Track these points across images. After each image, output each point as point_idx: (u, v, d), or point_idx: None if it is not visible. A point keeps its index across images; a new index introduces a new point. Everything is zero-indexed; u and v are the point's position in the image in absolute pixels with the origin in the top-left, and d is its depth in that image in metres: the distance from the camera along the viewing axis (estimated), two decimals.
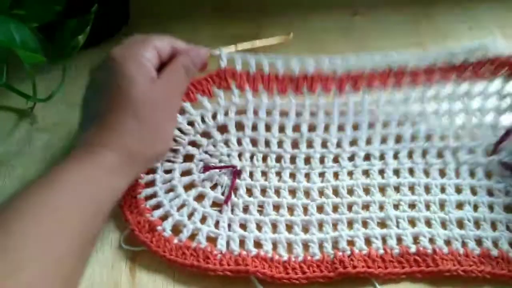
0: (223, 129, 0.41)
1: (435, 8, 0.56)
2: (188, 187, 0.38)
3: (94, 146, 0.32)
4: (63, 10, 0.42)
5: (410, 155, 0.41)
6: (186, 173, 0.39)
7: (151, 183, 0.38)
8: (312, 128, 0.41)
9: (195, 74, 0.39)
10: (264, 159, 0.40)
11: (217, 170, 0.39)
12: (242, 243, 0.36)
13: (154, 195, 0.38)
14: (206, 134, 0.40)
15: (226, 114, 0.41)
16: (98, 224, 0.31)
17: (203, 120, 0.40)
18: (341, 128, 0.41)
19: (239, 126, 0.41)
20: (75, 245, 0.28)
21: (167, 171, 0.39)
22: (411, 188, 0.39)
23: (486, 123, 0.41)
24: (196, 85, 0.40)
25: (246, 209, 0.37)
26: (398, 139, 0.41)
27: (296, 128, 0.41)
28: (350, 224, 0.37)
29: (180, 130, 0.40)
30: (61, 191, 0.29)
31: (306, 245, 0.36)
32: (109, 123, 0.33)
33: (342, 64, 0.40)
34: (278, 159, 0.40)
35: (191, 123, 0.40)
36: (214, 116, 0.41)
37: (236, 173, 0.39)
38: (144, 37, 0.36)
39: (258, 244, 0.36)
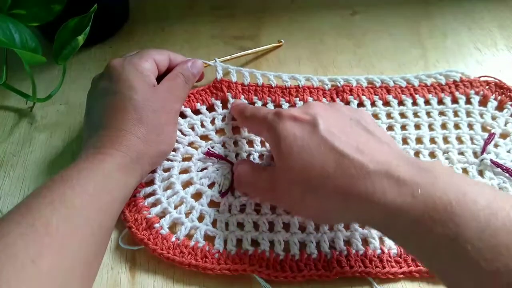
0: (220, 132, 0.43)
1: (435, 8, 0.56)
2: (186, 185, 0.39)
3: (102, 148, 0.33)
4: (63, 10, 0.42)
5: None
6: (184, 171, 0.39)
7: (151, 182, 0.38)
8: None
9: (193, 84, 0.42)
10: (261, 158, 0.40)
11: (215, 169, 0.39)
12: (239, 242, 0.36)
13: (152, 193, 0.38)
14: (205, 137, 0.42)
15: (223, 120, 0.43)
16: (113, 216, 0.32)
17: (202, 125, 0.42)
18: None
19: (236, 130, 0.42)
20: (93, 237, 0.29)
21: (166, 170, 0.39)
22: None
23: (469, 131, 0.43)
24: (196, 95, 0.44)
25: (243, 208, 0.37)
26: None
27: None
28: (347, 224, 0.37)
29: (181, 131, 0.42)
30: (77, 186, 0.30)
31: (303, 244, 0.36)
32: (115, 126, 0.34)
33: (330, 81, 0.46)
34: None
35: (191, 127, 0.42)
36: (212, 122, 0.43)
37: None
38: (143, 51, 0.39)
39: (255, 243, 0.36)
